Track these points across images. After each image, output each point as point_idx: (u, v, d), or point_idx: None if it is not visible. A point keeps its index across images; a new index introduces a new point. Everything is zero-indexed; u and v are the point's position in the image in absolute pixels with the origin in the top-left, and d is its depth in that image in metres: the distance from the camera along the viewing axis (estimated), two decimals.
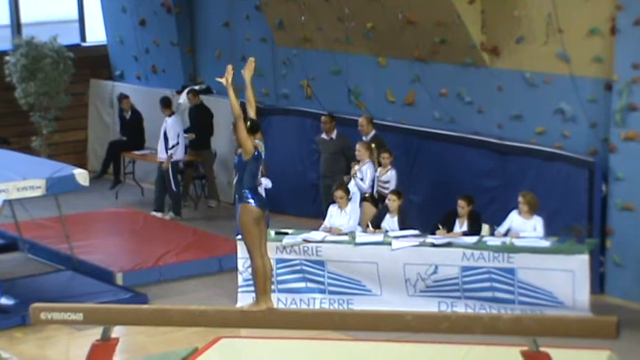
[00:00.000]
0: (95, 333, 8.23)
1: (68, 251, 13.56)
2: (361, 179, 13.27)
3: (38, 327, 11.32)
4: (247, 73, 8.33)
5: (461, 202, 12.23)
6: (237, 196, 8.15)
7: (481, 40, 13.57)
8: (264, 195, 13.95)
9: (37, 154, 16.55)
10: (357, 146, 13.50)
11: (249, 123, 8.16)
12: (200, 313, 8.01)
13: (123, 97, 17.75)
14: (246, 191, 8.05)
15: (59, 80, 17.60)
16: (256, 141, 8.18)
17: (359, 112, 14.97)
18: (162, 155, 16.23)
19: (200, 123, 16.69)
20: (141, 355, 10.67)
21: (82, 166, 14.73)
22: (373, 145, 13.50)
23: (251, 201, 8.03)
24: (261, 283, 8.12)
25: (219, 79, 8.32)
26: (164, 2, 17.98)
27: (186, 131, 16.54)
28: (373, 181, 13.37)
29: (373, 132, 14.00)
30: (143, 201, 17.26)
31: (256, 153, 8.10)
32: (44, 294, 11.86)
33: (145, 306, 10.05)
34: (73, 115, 18.62)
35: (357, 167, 13.34)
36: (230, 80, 8.21)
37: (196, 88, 17.47)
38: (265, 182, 14.05)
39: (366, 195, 13.29)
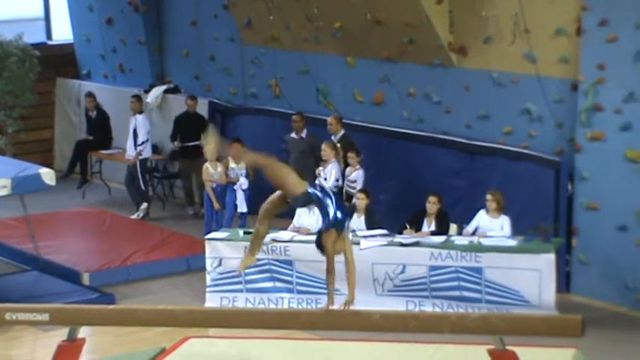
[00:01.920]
0: (61, 334, 8.19)
1: (34, 251, 13.49)
2: (325, 179, 13.29)
3: (3, 328, 11.24)
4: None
5: (431, 198, 12.27)
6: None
7: (449, 40, 13.62)
8: (240, 196, 14.08)
9: (2, 153, 16.41)
10: (323, 146, 13.53)
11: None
12: (168, 313, 7.99)
13: (87, 96, 17.69)
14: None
15: (25, 79, 17.49)
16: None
17: (327, 111, 14.98)
18: (130, 153, 16.19)
19: (196, 130, 15.26)
20: (108, 355, 10.62)
21: (48, 165, 14.63)
22: (339, 145, 13.52)
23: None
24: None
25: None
26: (131, 1, 17.91)
27: (175, 139, 16.15)
28: (338, 181, 13.40)
29: (342, 131, 14.02)
30: (110, 200, 17.19)
31: None
32: (9, 294, 11.79)
33: (111, 306, 9.99)
34: (38, 114, 18.49)
35: (321, 168, 13.37)
36: None
37: (165, 87, 17.47)
38: (242, 182, 14.08)
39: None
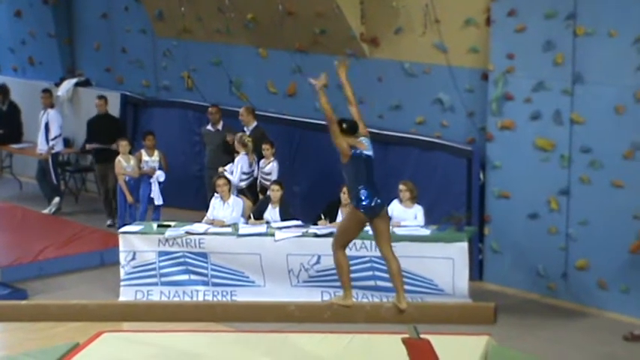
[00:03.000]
0: None
1: None
2: (231, 173, 13.29)
3: None
4: (342, 73, 8.15)
5: (345, 189, 12.30)
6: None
7: (360, 31, 13.67)
8: (156, 188, 14.00)
9: None
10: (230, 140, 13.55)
11: (344, 124, 8.07)
12: (81, 307, 7.93)
13: None
14: (352, 195, 8.01)
15: None
16: (360, 139, 8.02)
17: (241, 103, 14.95)
18: (42, 147, 15.99)
19: (109, 133, 15.37)
20: (19, 351, 10.48)
21: None
22: (248, 140, 13.50)
23: (363, 204, 7.94)
24: (347, 278, 8.14)
25: (312, 81, 8.09)
26: None
27: (90, 141, 15.69)
28: (248, 174, 13.41)
29: (255, 123, 14.01)
30: (21, 195, 16.97)
31: (356, 152, 7.91)
32: None
33: (23, 302, 9.88)
34: None
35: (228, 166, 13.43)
36: (322, 85, 8.03)
37: (76, 80, 17.29)
38: (159, 174, 14.01)
39: (243, 188, 13.34)
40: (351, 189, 8.09)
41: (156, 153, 14.17)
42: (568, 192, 11.84)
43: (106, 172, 15.17)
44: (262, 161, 13.39)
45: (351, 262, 11.69)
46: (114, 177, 14.50)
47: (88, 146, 15.90)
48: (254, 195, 13.36)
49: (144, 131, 14.92)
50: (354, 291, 11.70)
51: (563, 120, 11.77)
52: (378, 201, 8.06)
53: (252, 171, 13.50)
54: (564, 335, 10.99)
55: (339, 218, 12.32)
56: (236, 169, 13.36)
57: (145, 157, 14.13)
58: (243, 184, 13.42)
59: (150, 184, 14.04)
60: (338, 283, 11.65)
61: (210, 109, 14.58)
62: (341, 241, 8.14)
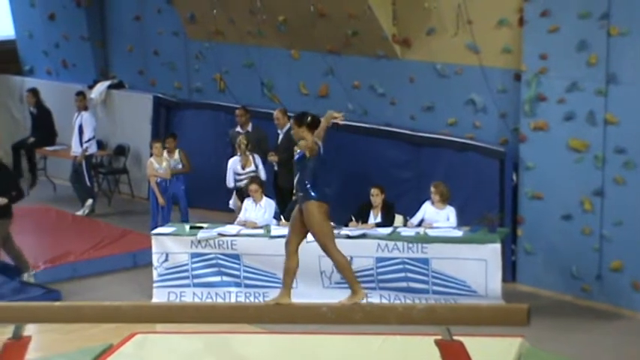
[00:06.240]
0: (6, 332, 8.11)
1: None
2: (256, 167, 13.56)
3: None
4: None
5: (373, 190, 12.32)
6: (300, 194, 7.94)
7: (392, 32, 13.65)
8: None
9: None
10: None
11: (309, 118, 7.92)
12: (114, 309, 7.95)
13: (27, 92, 17.56)
14: (309, 188, 7.85)
15: None
16: (315, 138, 7.98)
17: (273, 105, 14.97)
18: (76, 149, 16.09)
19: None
20: (54, 352, 10.54)
21: None
22: (242, 141, 13.64)
23: (315, 196, 7.82)
24: (351, 274, 7.92)
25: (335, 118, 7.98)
26: None
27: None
28: (240, 174, 13.61)
29: (288, 125, 14.01)
30: (55, 197, 17.07)
31: (320, 148, 7.90)
32: None
33: (57, 303, 9.92)
34: None
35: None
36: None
37: (109, 83, 17.40)
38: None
39: (240, 188, 13.54)
40: (308, 183, 7.91)
41: (177, 152, 14.28)
42: (602, 193, 11.77)
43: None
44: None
45: (384, 264, 11.80)
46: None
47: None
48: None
49: (166, 133, 15.07)
50: (386, 292, 11.77)
51: (597, 120, 11.70)
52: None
53: (252, 170, 13.53)
54: (598, 337, 10.93)
55: (371, 220, 12.31)
56: (259, 165, 13.52)
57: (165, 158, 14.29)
58: (239, 184, 13.53)
59: (173, 185, 14.18)
60: (370, 284, 11.72)
61: (237, 111, 14.61)
62: (331, 241, 8.03)
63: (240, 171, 13.60)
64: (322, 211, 7.92)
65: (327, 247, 8.00)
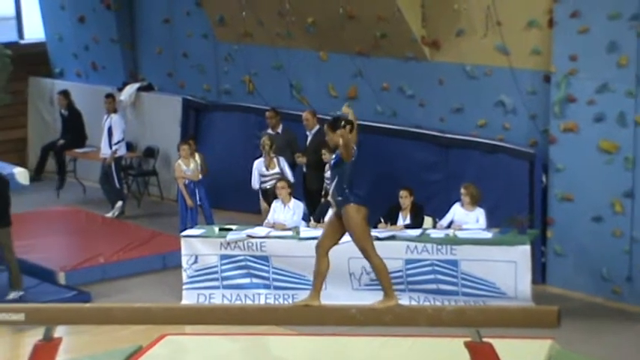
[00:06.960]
0: (37, 333, 8.16)
1: None
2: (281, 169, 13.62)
3: None
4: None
5: (402, 192, 12.30)
6: (339, 198, 7.95)
7: (422, 34, 13.63)
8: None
9: None
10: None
11: (342, 122, 7.91)
12: (144, 310, 7.98)
13: (58, 94, 17.65)
14: (348, 192, 7.88)
15: None
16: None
17: (301, 106, 14.97)
18: (105, 151, 16.15)
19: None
20: (84, 354, 10.59)
21: (22, 164, 14.60)
22: (265, 142, 13.71)
23: (354, 200, 7.85)
24: (387, 278, 7.96)
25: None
26: None
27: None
28: (265, 176, 13.67)
29: (317, 126, 14.01)
30: (85, 199, 17.14)
31: (356, 153, 7.93)
32: None
33: (87, 305, 9.98)
34: (12, 113, 18.41)
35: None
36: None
37: (138, 85, 17.46)
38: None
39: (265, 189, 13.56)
40: (347, 187, 7.90)
41: (197, 156, 14.29)
42: (632, 194, 11.70)
43: None
44: (326, 167, 13.41)
45: (413, 266, 11.79)
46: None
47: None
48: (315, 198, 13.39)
49: (187, 135, 15.12)
50: (416, 294, 11.75)
51: (628, 122, 11.64)
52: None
53: (277, 173, 13.53)
54: (629, 339, 10.86)
55: (400, 221, 12.29)
56: (285, 167, 13.57)
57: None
58: (264, 185, 13.54)
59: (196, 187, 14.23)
60: (400, 286, 11.70)
61: (267, 113, 14.63)
62: (370, 244, 8.03)
63: (265, 172, 13.63)
64: (361, 214, 7.93)
65: (367, 251, 8.02)
